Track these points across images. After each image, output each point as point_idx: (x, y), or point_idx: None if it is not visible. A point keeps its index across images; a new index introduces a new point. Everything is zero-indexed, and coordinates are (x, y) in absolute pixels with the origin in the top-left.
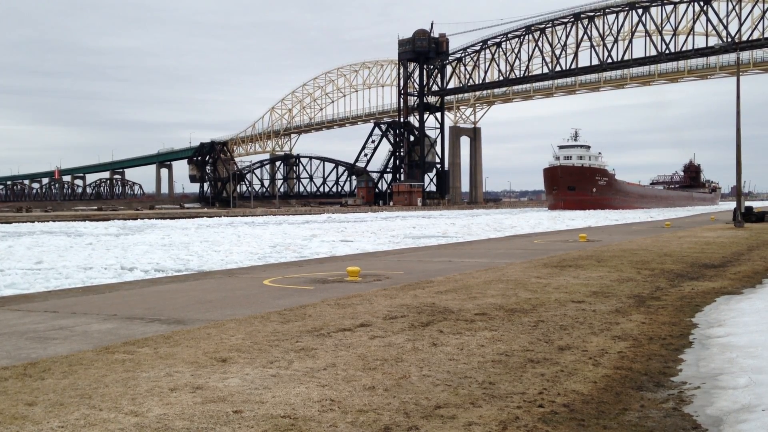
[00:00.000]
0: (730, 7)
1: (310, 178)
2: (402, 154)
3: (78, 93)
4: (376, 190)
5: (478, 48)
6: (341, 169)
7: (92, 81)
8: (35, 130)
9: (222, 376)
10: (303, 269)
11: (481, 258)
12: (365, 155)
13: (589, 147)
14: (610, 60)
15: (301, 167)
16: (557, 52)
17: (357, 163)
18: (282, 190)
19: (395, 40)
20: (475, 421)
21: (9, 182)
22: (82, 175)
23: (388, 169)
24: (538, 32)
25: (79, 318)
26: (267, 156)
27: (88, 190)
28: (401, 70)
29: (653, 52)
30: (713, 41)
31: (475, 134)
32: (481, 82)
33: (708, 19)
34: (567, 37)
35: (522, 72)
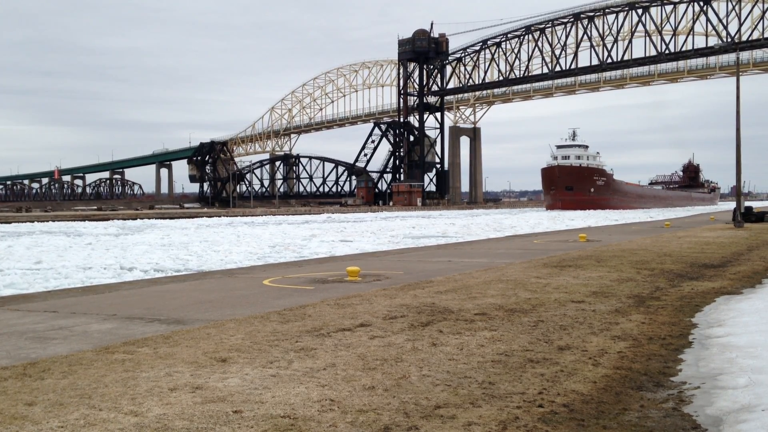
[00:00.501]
0: (730, 7)
1: (310, 178)
2: (402, 154)
3: (78, 93)
4: (376, 190)
5: (477, 48)
6: (341, 169)
7: (92, 81)
8: (35, 130)
9: (222, 376)
10: (303, 269)
11: (481, 258)
12: (365, 155)
13: (587, 147)
14: (609, 60)
15: (301, 167)
16: (557, 52)
17: (357, 163)
18: (282, 190)
19: (395, 40)
20: (474, 421)
21: (9, 182)
22: (81, 175)
23: (387, 169)
24: (538, 32)
25: (79, 318)
26: (267, 156)
27: (87, 190)
28: (401, 70)
29: (653, 52)
30: (713, 41)
31: (474, 134)
32: (480, 82)
33: (708, 19)
34: (567, 37)
35: (522, 72)
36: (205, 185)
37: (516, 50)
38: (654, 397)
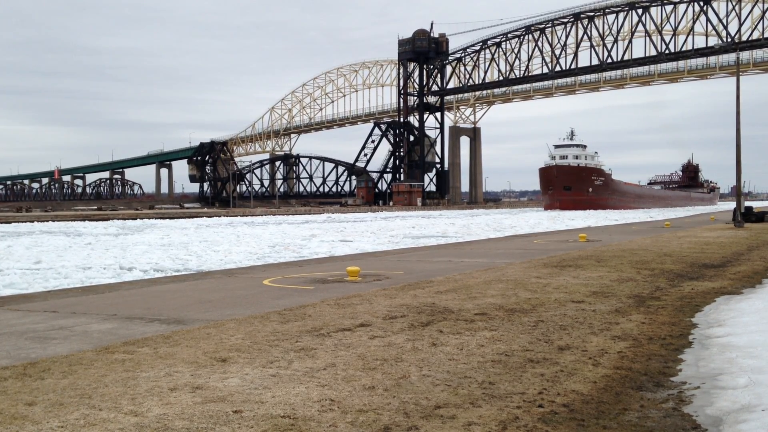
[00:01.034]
0: (730, 7)
1: (310, 178)
2: (402, 154)
3: (78, 93)
4: (376, 190)
5: (477, 48)
6: (341, 169)
7: (92, 81)
8: (35, 130)
9: (222, 376)
10: (303, 269)
11: (481, 258)
12: (365, 155)
13: (585, 146)
14: (609, 60)
15: (301, 167)
16: (557, 52)
17: (357, 163)
18: (282, 190)
19: (395, 40)
20: (474, 421)
21: (9, 182)
22: (81, 175)
23: (387, 169)
24: (538, 32)
25: (79, 318)
26: (267, 156)
27: (87, 190)
28: (401, 70)
29: (653, 52)
30: (713, 41)
31: (474, 134)
32: (480, 82)
33: (708, 19)
34: (567, 37)
35: (522, 72)
36: (205, 185)
37: (516, 50)
38: (654, 397)
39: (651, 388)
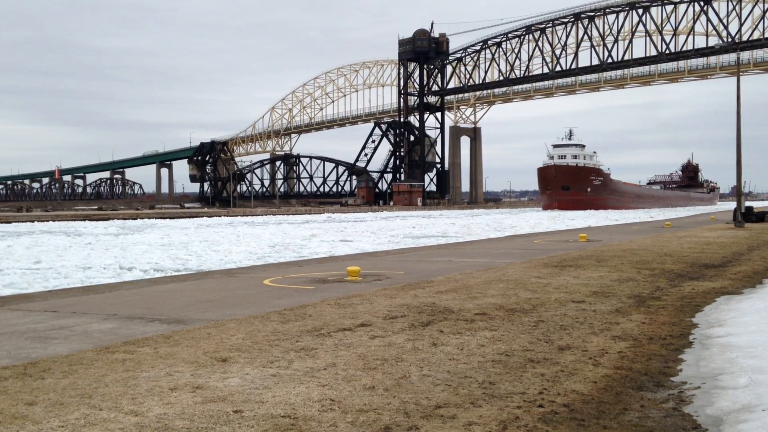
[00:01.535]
0: (731, 7)
1: (311, 177)
2: (402, 153)
3: (78, 93)
4: (376, 190)
5: (478, 48)
6: (341, 168)
7: (92, 81)
8: (35, 129)
9: (222, 376)
10: (303, 269)
11: (481, 258)
12: (365, 155)
13: (583, 146)
14: (610, 60)
15: (301, 167)
16: (557, 52)
17: (357, 163)
18: (282, 189)
19: (395, 40)
20: (475, 421)
21: (9, 182)
22: (82, 174)
23: (388, 169)
24: (539, 32)
25: (80, 318)
26: (267, 156)
27: (88, 189)
28: (401, 70)
29: (653, 52)
30: (713, 41)
31: (475, 134)
32: (481, 82)
33: (708, 19)
34: (567, 37)
35: (522, 72)
36: (206, 185)
37: (516, 50)
38: (654, 397)
39: (651, 388)
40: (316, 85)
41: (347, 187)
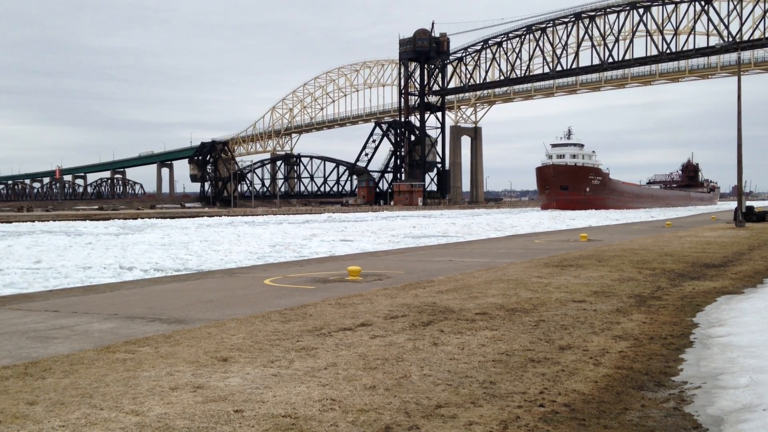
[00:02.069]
0: (731, 6)
1: (311, 177)
2: (403, 153)
3: (78, 93)
4: (377, 189)
5: (478, 47)
6: (342, 168)
7: (92, 81)
8: (36, 129)
9: (223, 376)
10: (303, 269)
11: (482, 257)
12: (366, 155)
13: (582, 145)
14: (610, 60)
15: (302, 167)
16: (558, 51)
17: (358, 163)
18: (283, 189)
19: (395, 40)
20: (475, 421)
21: (10, 182)
22: (83, 174)
23: (388, 169)
24: (539, 32)
25: (80, 317)
26: (268, 155)
27: (89, 189)
28: (402, 70)
29: (654, 52)
30: (714, 41)
31: (475, 134)
32: (481, 81)
33: (709, 19)
34: (568, 36)
35: (523, 72)
36: (206, 185)
37: (517, 50)
38: (655, 396)
39: (652, 387)
40: (316, 84)
41: (348, 187)
